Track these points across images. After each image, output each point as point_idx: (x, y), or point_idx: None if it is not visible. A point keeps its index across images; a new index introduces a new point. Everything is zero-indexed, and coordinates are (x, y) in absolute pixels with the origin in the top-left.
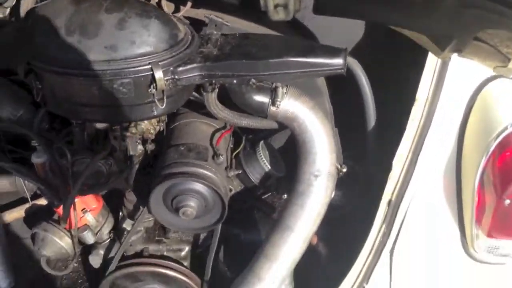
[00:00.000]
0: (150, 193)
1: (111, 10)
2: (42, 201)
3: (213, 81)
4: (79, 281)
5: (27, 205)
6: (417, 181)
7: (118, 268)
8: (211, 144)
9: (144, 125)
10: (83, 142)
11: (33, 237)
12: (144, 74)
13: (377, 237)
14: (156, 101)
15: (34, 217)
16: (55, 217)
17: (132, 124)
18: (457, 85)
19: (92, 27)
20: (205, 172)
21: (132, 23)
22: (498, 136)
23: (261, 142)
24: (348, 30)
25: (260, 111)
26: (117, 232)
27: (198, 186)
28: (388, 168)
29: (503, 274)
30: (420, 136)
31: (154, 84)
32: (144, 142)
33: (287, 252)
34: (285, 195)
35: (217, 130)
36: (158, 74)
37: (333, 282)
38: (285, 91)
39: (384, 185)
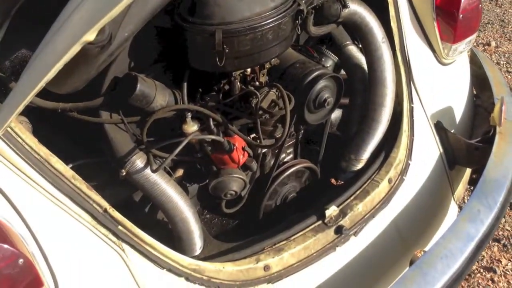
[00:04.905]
0: (304, 105)
1: None
2: None
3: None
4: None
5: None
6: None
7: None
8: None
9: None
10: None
11: (216, 186)
12: (296, 9)
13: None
14: (296, 28)
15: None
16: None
17: None
18: None
19: None
20: (326, 70)
21: None
22: None
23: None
24: None
25: (335, 15)
26: None
27: (328, 80)
28: None
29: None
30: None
31: (302, 15)
32: None
33: (387, 102)
34: None
35: (293, 47)
36: (303, 6)
37: None
38: None
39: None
